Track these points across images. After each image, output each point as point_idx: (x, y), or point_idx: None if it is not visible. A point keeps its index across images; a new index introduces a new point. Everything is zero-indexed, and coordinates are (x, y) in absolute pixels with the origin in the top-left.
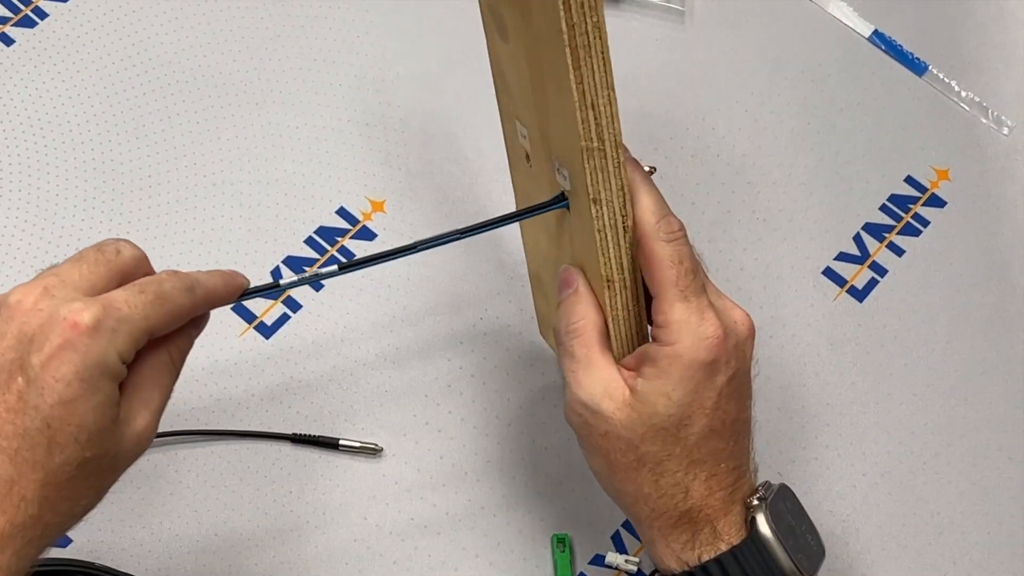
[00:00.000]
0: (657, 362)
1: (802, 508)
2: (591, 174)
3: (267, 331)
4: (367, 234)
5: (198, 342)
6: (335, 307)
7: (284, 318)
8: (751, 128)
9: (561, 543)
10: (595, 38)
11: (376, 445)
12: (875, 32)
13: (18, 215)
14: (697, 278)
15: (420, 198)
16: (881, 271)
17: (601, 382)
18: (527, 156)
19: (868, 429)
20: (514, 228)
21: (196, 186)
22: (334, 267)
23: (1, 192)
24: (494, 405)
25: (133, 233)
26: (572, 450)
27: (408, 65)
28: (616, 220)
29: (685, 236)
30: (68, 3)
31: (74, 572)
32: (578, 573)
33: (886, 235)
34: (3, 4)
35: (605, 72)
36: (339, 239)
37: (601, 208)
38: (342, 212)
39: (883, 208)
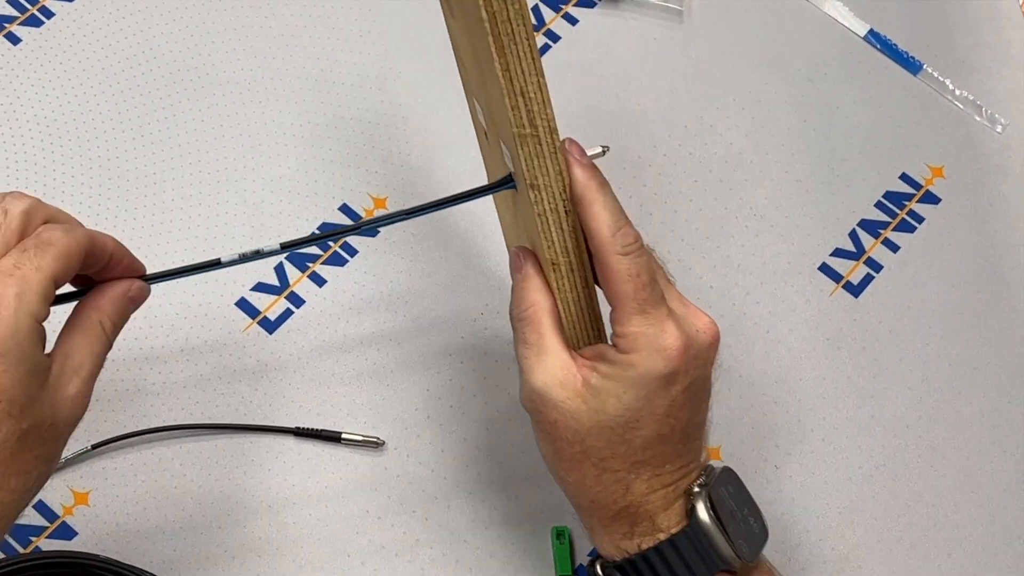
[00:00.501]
0: (613, 364)
1: (746, 491)
2: (526, 160)
3: (270, 326)
4: (369, 230)
5: (202, 336)
6: (338, 302)
7: (287, 313)
8: (748, 126)
9: (560, 536)
10: (519, 25)
11: (378, 439)
12: (870, 31)
13: None
14: (655, 289)
15: (422, 194)
16: (876, 267)
17: (553, 369)
18: (485, 133)
19: (864, 423)
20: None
21: (200, 183)
22: (276, 245)
23: (8, 188)
24: (495, 399)
25: (137, 229)
26: None
27: (409, 63)
28: (557, 204)
29: (642, 247)
30: (74, 2)
31: (79, 564)
32: (577, 565)
33: (881, 231)
34: (9, 3)
35: (532, 59)
36: (342, 235)
37: (540, 193)
38: (345, 209)
39: (878, 205)
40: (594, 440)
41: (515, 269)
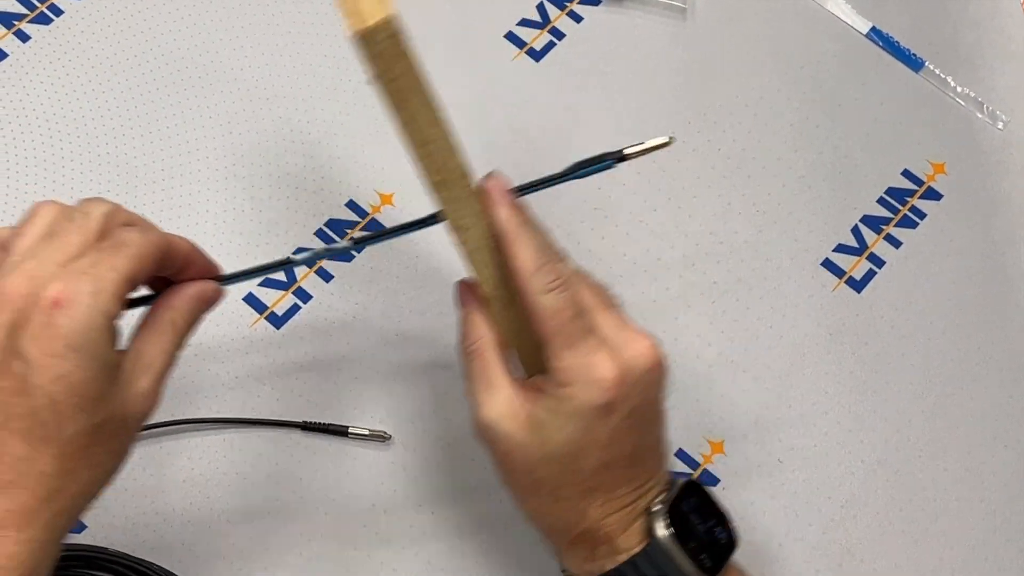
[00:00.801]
0: (551, 398)
1: (712, 502)
2: (444, 204)
3: (277, 321)
4: (376, 226)
5: (210, 331)
6: (345, 298)
7: (294, 308)
8: (751, 123)
9: None
10: (411, 80)
11: (385, 433)
12: (873, 29)
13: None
14: (582, 322)
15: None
16: (879, 262)
17: (501, 403)
18: None
19: (866, 417)
20: None
21: (208, 180)
22: (346, 242)
23: (18, 185)
24: None
25: None
26: None
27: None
28: (484, 242)
29: (565, 283)
30: (83, 0)
31: (89, 557)
32: None
33: (884, 227)
34: (19, 1)
35: (431, 109)
36: (348, 231)
37: (464, 234)
38: (351, 205)
39: (881, 201)
40: (544, 471)
41: (459, 304)
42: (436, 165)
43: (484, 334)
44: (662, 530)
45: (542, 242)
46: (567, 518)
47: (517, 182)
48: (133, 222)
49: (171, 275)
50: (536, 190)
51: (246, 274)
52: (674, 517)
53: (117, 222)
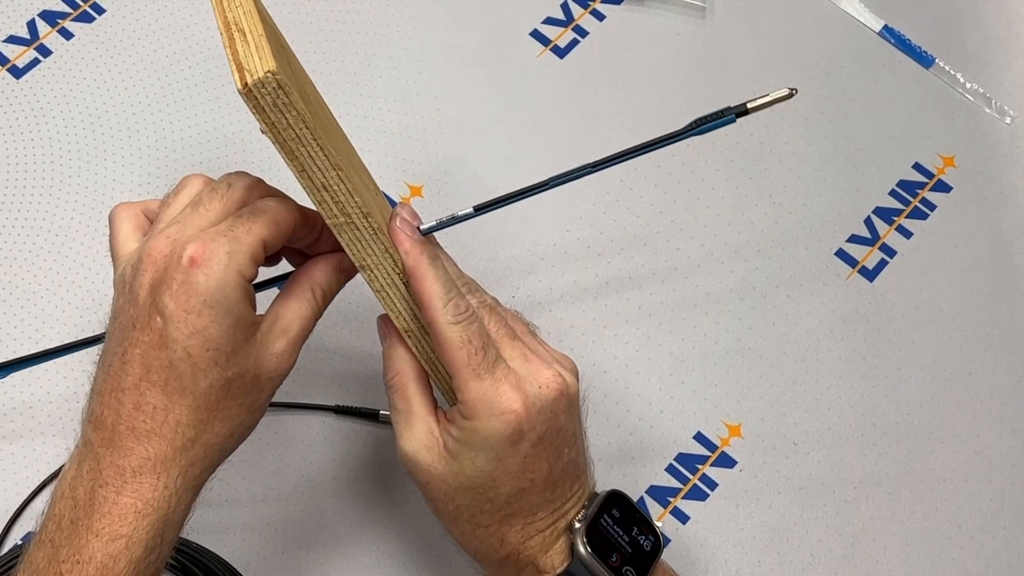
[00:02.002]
0: (461, 429)
1: (635, 510)
2: (348, 245)
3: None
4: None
5: None
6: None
7: None
8: (767, 117)
9: None
10: (301, 129)
11: None
12: (885, 27)
13: (78, 199)
14: (488, 354)
15: (456, 183)
16: (890, 252)
17: (420, 434)
18: None
19: (878, 401)
20: (537, 211)
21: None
22: (470, 209)
23: (62, 177)
24: None
25: None
26: (597, 422)
27: (443, 57)
28: (393, 278)
29: (472, 315)
30: None
31: None
32: None
33: (895, 218)
34: (63, 0)
35: (325, 155)
36: None
37: (372, 272)
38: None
39: (892, 193)
40: (461, 499)
41: (381, 338)
42: (334, 209)
43: (403, 368)
44: (582, 548)
45: (447, 277)
46: (489, 543)
47: (539, 178)
48: (273, 194)
49: (306, 247)
50: (653, 149)
51: None
52: (593, 533)
53: (258, 194)
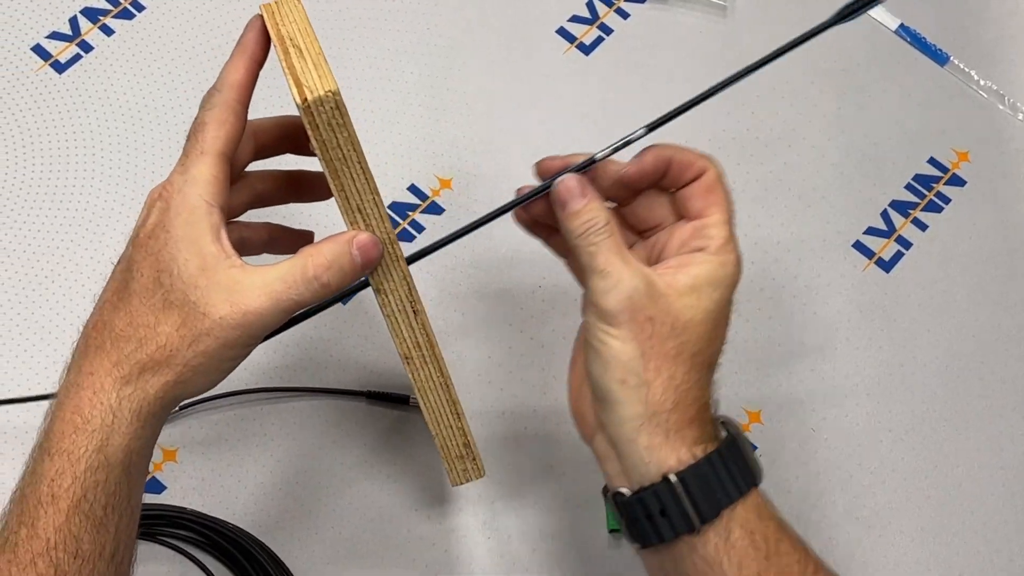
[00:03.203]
0: (706, 264)
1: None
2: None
3: (344, 297)
4: (436, 208)
5: None
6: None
7: (361, 284)
8: (787, 113)
9: None
10: (349, 150)
11: None
12: (901, 25)
13: (118, 190)
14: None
15: (484, 175)
16: (906, 244)
17: (640, 271)
18: None
19: (894, 389)
20: None
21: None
22: (642, 130)
23: (103, 169)
24: (551, 365)
25: None
26: None
27: (472, 54)
28: (404, 305)
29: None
30: None
31: (168, 516)
32: None
33: (911, 211)
34: None
35: (366, 179)
36: (410, 213)
37: (386, 297)
38: (413, 189)
39: (908, 187)
40: (689, 335)
41: (575, 198)
42: (368, 231)
43: (602, 219)
44: (735, 427)
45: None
46: (695, 390)
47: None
48: (212, 103)
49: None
50: (793, 48)
51: (503, 210)
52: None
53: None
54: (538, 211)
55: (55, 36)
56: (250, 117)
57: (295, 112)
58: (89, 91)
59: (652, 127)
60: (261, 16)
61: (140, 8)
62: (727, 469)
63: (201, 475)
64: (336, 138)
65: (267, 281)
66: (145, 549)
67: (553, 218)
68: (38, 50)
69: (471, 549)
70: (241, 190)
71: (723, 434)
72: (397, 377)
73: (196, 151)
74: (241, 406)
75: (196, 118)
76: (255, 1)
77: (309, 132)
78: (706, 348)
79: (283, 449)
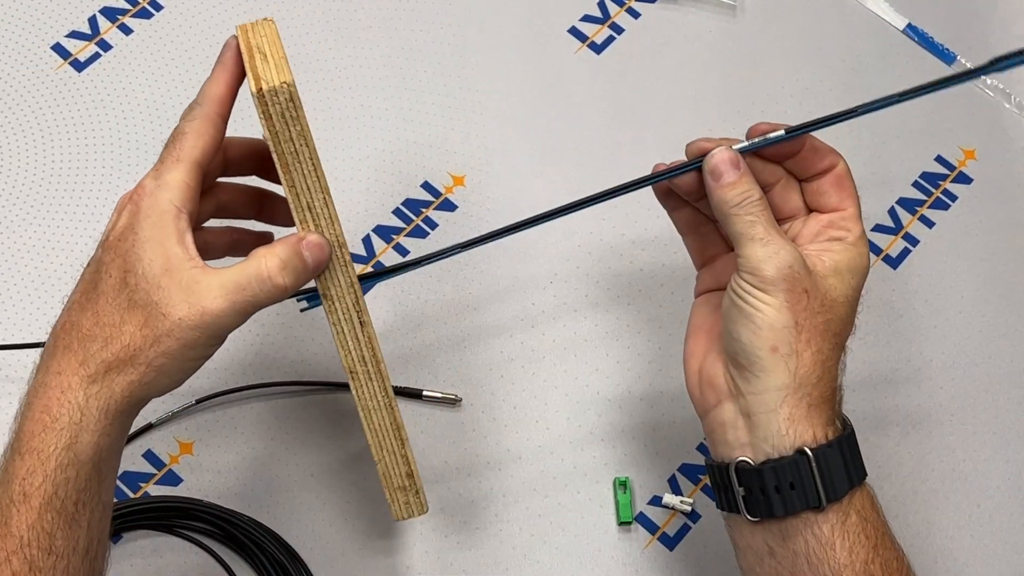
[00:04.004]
0: (846, 253)
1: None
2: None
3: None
4: (449, 205)
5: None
6: (419, 271)
7: (374, 281)
8: (796, 111)
9: (622, 485)
10: (301, 145)
11: (456, 396)
12: (908, 25)
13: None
14: None
15: (497, 172)
16: (913, 241)
17: (796, 246)
18: None
19: (901, 384)
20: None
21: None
22: (781, 131)
23: (121, 166)
24: (562, 361)
25: None
26: (634, 401)
27: (485, 53)
28: (351, 315)
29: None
30: None
31: (184, 508)
32: (637, 512)
33: (918, 209)
34: None
35: (317, 177)
36: (424, 210)
37: (332, 303)
38: (426, 186)
39: (915, 184)
40: (835, 314)
41: (731, 170)
42: (316, 231)
43: (757, 192)
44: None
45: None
46: (833, 368)
47: (577, 168)
48: (193, 115)
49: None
50: (948, 86)
51: (601, 196)
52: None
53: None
54: (683, 184)
55: (74, 35)
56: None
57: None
58: (108, 89)
59: (791, 131)
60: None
61: (158, 7)
62: (852, 455)
63: (217, 468)
64: (289, 130)
65: (223, 283)
66: (162, 541)
67: (693, 192)
68: (58, 49)
69: (483, 541)
70: (207, 199)
71: (842, 426)
72: (410, 371)
73: (172, 158)
74: (257, 400)
75: (176, 128)
76: (268, 2)
77: (262, 123)
78: (845, 329)
79: (298, 442)
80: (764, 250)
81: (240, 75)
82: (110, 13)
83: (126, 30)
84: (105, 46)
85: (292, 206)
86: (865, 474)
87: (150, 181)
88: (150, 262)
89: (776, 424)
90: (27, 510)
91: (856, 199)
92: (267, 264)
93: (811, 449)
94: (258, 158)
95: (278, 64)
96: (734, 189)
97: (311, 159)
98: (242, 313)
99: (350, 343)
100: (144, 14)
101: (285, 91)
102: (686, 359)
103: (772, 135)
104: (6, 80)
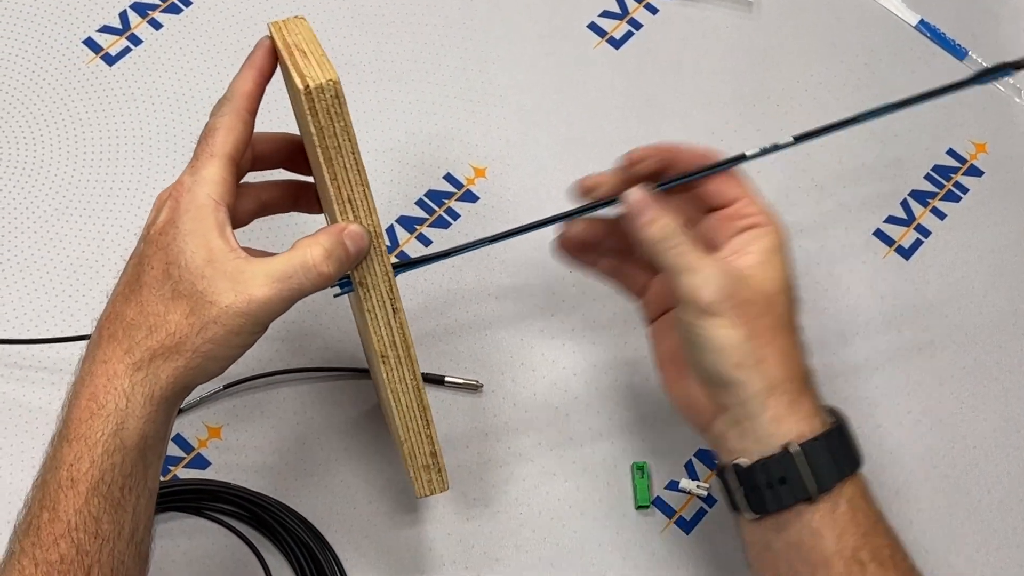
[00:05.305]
0: (762, 238)
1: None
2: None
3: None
4: (471, 197)
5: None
6: (443, 261)
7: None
8: (810, 105)
9: (640, 470)
10: (344, 140)
11: (477, 382)
12: (921, 21)
13: (165, 178)
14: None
15: (518, 165)
16: (925, 232)
17: (724, 262)
18: None
19: (913, 372)
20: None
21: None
22: (790, 138)
23: (151, 158)
24: (582, 348)
25: None
26: (651, 388)
27: (506, 47)
28: (384, 302)
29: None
30: None
31: (212, 491)
32: (655, 497)
33: (930, 201)
34: None
35: (358, 171)
36: (446, 201)
37: (368, 291)
38: (448, 177)
39: (927, 177)
40: (778, 306)
41: (649, 208)
42: (355, 221)
43: (674, 220)
44: (840, 411)
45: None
46: (799, 355)
47: (596, 161)
48: (223, 111)
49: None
50: (928, 100)
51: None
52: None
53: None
54: (589, 233)
55: (105, 30)
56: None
57: (293, 131)
58: (138, 83)
59: (800, 138)
60: (269, 37)
61: (187, 3)
62: (841, 447)
63: (245, 451)
64: (333, 126)
65: (269, 271)
66: (191, 523)
67: (602, 237)
68: (89, 43)
69: (504, 524)
70: (248, 199)
71: (830, 418)
72: (434, 358)
73: (206, 154)
74: (283, 385)
75: (207, 124)
76: None
77: (309, 118)
78: (791, 312)
79: (324, 427)
80: (697, 277)
81: (268, 73)
82: (140, 8)
83: (156, 25)
84: (136, 41)
85: (333, 198)
86: (858, 464)
87: (187, 177)
88: (192, 254)
89: (762, 427)
90: (74, 495)
91: (744, 181)
92: (312, 253)
93: (800, 444)
94: (285, 152)
95: (320, 61)
96: (655, 225)
97: (353, 153)
98: (287, 300)
99: (383, 328)
100: (174, 9)
101: (331, 88)
102: (665, 389)
103: (783, 140)
104: (39, 74)
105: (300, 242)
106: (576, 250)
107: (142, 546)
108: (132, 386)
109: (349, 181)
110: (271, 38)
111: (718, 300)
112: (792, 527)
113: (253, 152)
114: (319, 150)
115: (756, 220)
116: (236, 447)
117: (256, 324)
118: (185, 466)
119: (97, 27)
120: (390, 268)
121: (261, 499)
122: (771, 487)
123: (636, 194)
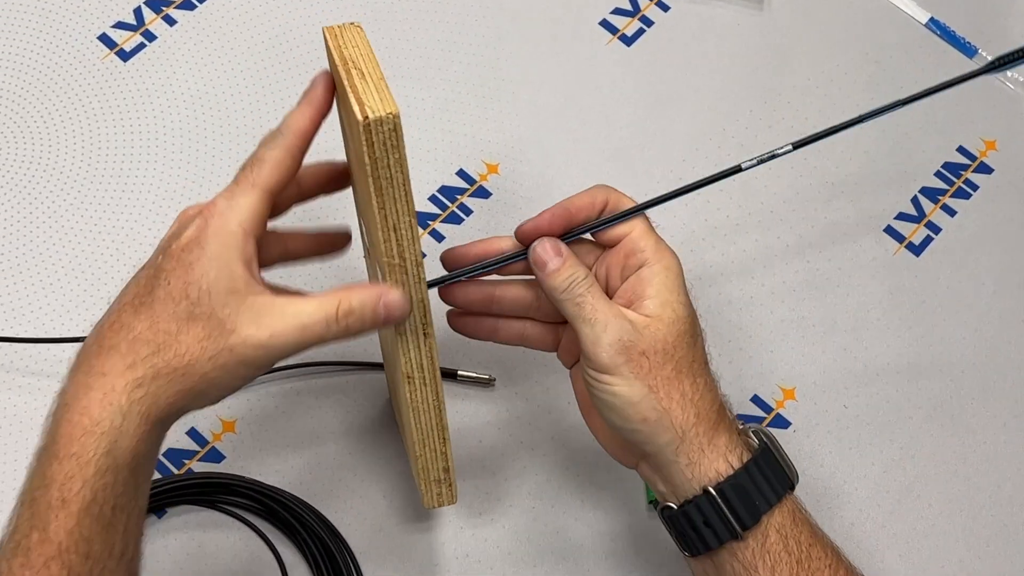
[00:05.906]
0: (653, 280)
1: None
2: (392, 285)
3: None
4: (483, 192)
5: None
6: None
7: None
8: (821, 103)
9: None
10: (396, 171)
11: (490, 376)
12: (931, 19)
13: (179, 173)
14: None
15: (530, 161)
16: (935, 229)
17: (621, 313)
18: (367, 250)
19: (923, 368)
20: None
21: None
22: (788, 146)
23: (165, 153)
24: None
25: None
26: None
27: (518, 45)
28: (417, 328)
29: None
30: None
31: (226, 484)
32: None
33: (940, 197)
34: None
35: (406, 201)
36: (459, 197)
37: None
38: (461, 173)
39: (938, 174)
40: (679, 351)
41: (550, 260)
42: (395, 250)
43: (581, 269)
44: (765, 432)
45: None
46: (707, 395)
47: (608, 158)
48: (274, 144)
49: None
50: (949, 87)
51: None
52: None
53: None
54: (482, 296)
55: (120, 26)
56: None
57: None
58: (152, 79)
59: (798, 145)
60: (329, 74)
61: None
62: (764, 476)
63: (259, 445)
64: (388, 158)
65: (297, 312)
66: (205, 516)
67: (499, 306)
68: (104, 39)
69: (516, 518)
70: (274, 246)
71: (755, 443)
72: (447, 352)
73: (248, 182)
74: (298, 379)
75: (255, 153)
76: None
77: (364, 148)
78: (694, 353)
79: (337, 421)
80: (594, 330)
81: (326, 111)
82: (155, 4)
83: (170, 21)
84: (150, 36)
85: (379, 226)
86: (791, 483)
87: (223, 201)
88: (216, 279)
89: (679, 473)
90: (66, 516)
91: (639, 216)
92: (342, 307)
93: (715, 486)
94: (326, 180)
95: (378, 86)
96: (559, 275)
97: (404, 184)
98: (306, 343)
99: (411, 351)
100: (188, 5)
101: (390, 121)
102: (593, 432)
103: (781, 149)
104: (54, 69)
105: (334, 293)
106: (471, 326)
107: (132, 564)
108: (129, 404)
109: (397, 212)
110: (330, 76)
111: (614, 357)
112: (727, 565)
113: (298, 187)
114: (370, 180)
115: (646, 256)
116: (251, 441)
117: (269, 359)
118: (199, 459)
119: (112, 23)
120: (427, 295)
121: (276, 493)
122: (696, 530)
123: (543, 244)
